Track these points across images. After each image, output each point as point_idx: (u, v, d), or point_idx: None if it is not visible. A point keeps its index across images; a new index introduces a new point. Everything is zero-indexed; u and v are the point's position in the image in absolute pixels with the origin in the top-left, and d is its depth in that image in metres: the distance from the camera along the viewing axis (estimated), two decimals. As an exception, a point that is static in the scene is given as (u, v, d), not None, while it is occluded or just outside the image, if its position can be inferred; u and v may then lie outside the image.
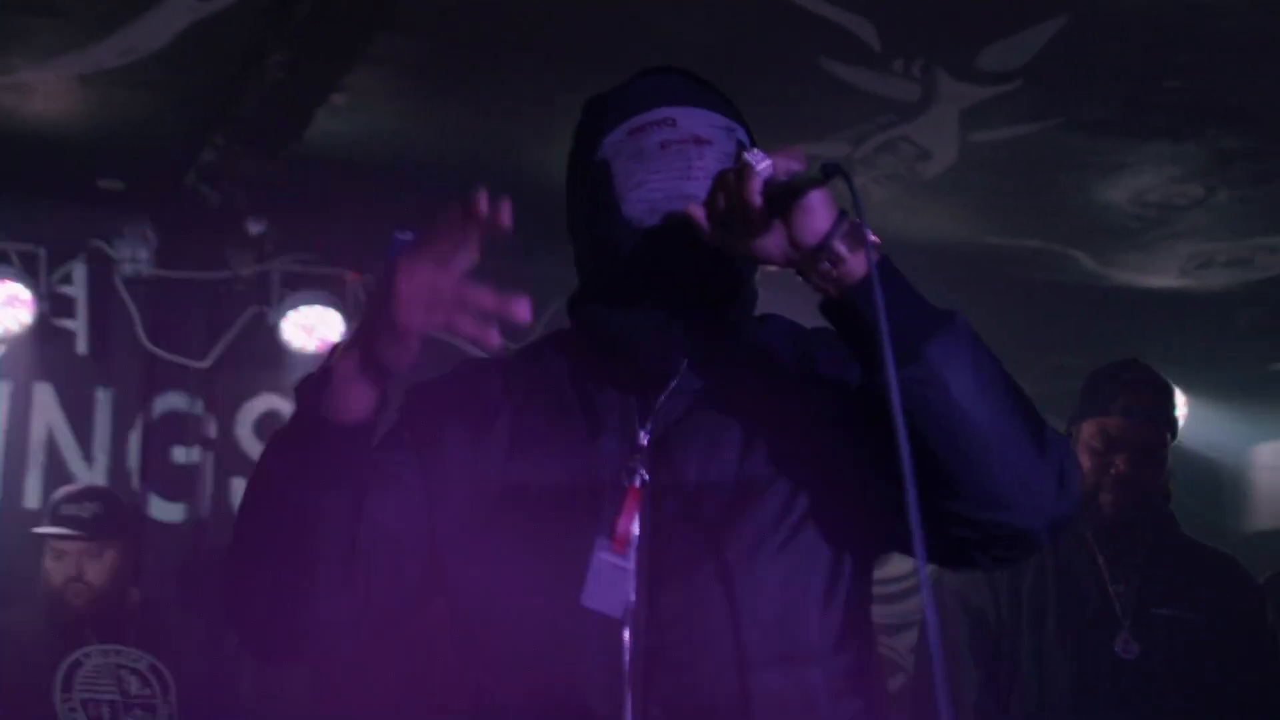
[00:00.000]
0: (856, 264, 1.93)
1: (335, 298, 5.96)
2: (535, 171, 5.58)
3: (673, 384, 2.12)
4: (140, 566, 5.35)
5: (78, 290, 5.88)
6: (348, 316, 5.95)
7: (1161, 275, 6.72)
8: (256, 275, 6.04)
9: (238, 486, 6.07)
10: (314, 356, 5.99)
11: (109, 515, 5.00)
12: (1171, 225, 6.15)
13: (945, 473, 1.93)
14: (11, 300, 5.60)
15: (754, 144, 2.16)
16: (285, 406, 6.13)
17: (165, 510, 5.98)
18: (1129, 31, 4.44)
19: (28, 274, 5.68)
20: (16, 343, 5.70)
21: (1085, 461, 4.05)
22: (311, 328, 5.92)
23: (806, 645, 2.05)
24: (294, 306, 5.92)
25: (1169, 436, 4.16)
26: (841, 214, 1.95)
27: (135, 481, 5.91)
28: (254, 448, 6.10)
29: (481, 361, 2.31)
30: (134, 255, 5.86)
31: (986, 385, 1.95)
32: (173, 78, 4.74)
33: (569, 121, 5.70)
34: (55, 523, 4.97)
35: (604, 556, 2.03)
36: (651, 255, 2.09)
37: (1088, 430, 4.10)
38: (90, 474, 5.86)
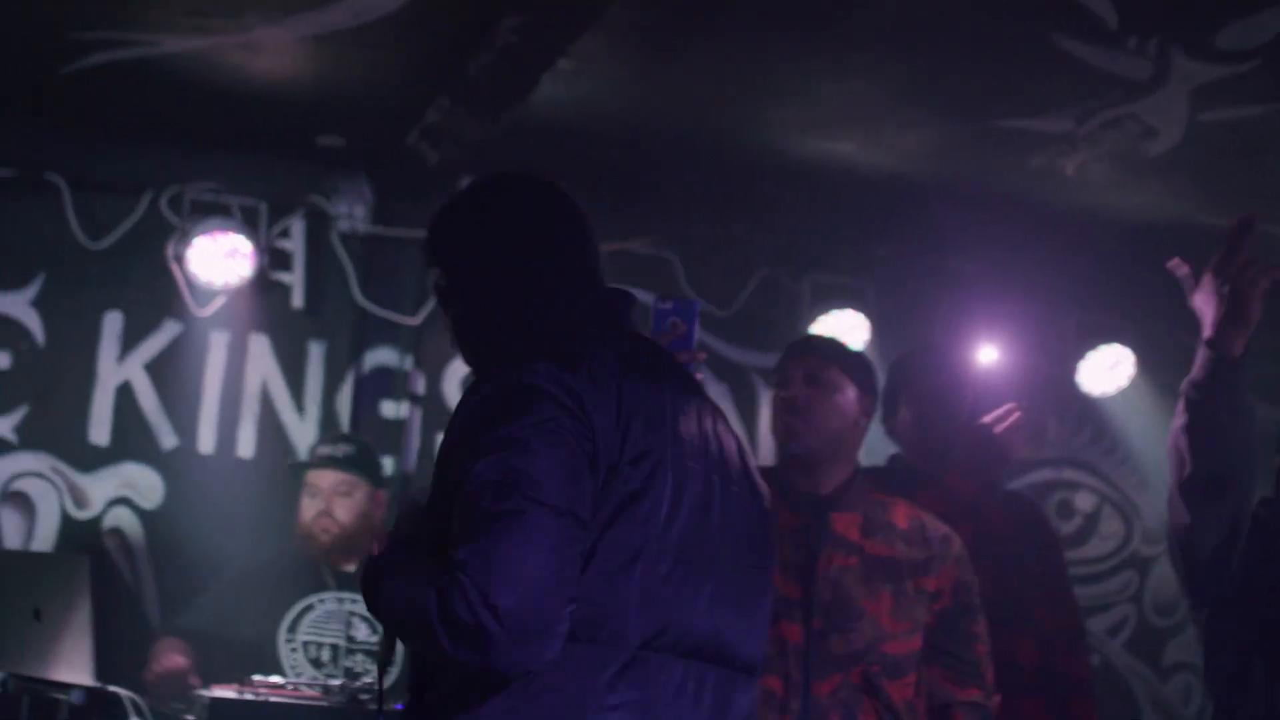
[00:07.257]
0: None
1: (545, 260, 5.99)
2: (752, 141, 5.58)
3: None
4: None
5: (295, 244, 6.01)
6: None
7: (1385, 262, 6.52)
8: (469, 235, 6.08)
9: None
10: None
11: (360, 456, 5.23)
12: (1401, 214, 5.96)
13: None
14: (232, 253, 5.71)
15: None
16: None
17: (373, 464, 6.06)
18: (1376, 13, 4.31)
19: (249, 227, 5.79)
20: (236, 294, 5.82)
21: None
22: (520, 289, 5.95)
23: None
24: (504, 268, 5.95)
25: None
26: None
27: (345, 434, 6.00)
28: (459, 405, 6.16)
29: None
30: (350, 212, 5.97)
31: None
32: (403, 39, 4.79)
33: (789, 91, 5.62)
34: (312, 465, 5.22)
35: None
36: None
37: None
38: (302, 425, 5.98)
